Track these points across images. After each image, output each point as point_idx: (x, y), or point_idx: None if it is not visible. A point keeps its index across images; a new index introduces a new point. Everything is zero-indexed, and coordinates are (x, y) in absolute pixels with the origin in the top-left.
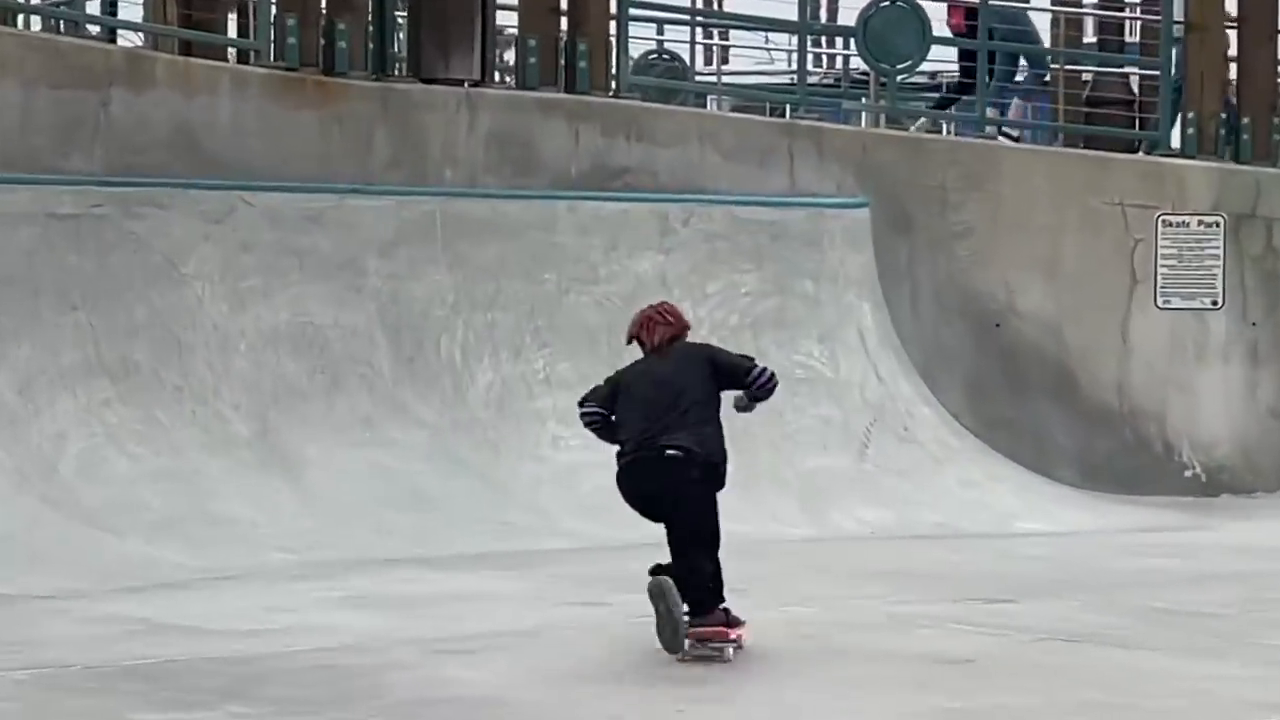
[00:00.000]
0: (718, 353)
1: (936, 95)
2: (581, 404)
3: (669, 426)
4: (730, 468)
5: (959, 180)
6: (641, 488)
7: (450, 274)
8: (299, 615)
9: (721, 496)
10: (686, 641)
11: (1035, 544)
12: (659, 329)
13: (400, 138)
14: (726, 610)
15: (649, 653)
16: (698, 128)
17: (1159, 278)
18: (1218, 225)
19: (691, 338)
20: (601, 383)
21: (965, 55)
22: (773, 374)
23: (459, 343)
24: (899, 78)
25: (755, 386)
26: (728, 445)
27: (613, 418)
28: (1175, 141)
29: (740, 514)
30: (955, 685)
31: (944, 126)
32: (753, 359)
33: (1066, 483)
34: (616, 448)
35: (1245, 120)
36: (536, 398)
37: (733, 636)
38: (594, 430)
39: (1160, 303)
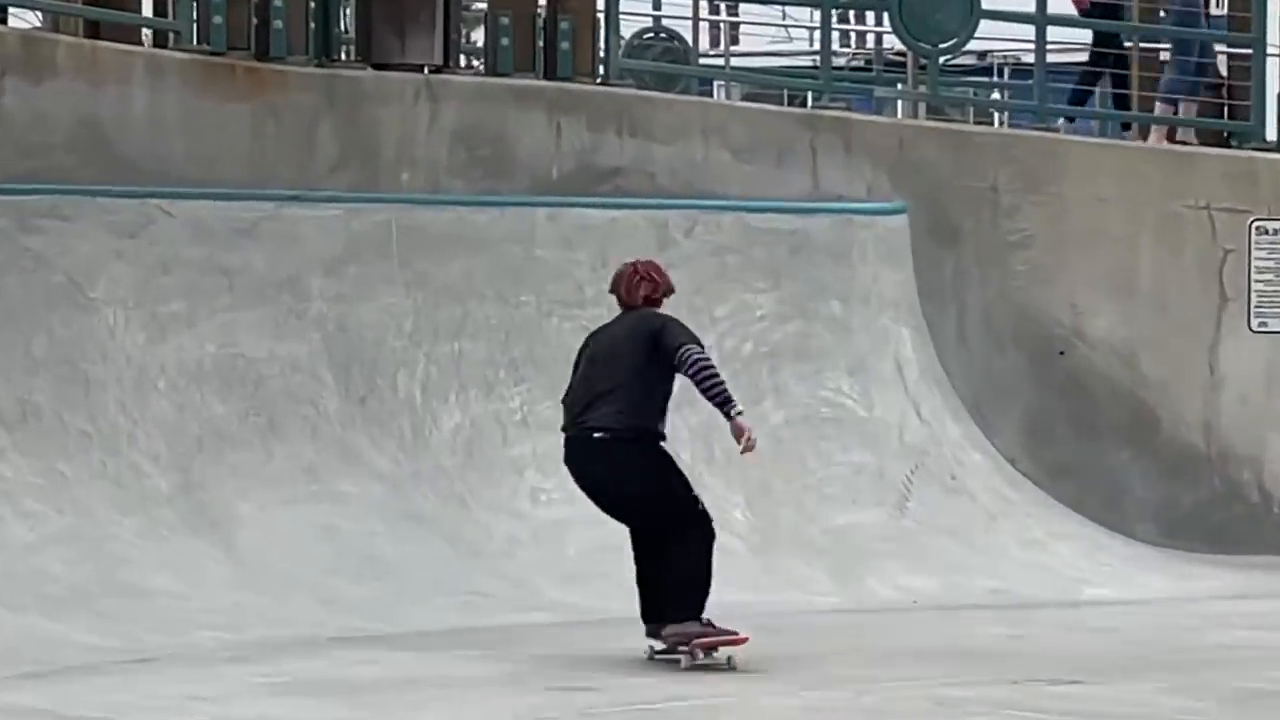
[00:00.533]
0: (666, 331)
1: (991, 79)
2: None
3: (592, 403)
4: (745, 525)
5: (1014, 180)
6: (583, 470)
7: (409, 296)
8: (229, 705)
9: (735, 559)
10: (653, 644)
11: (1107, 614)
12: (642, 286)
13: (348, 135)
14: (709, 623)
15: None
16: (702, 120)
17: (1253, 295)
18: None
19: None
20: None
21: (1101, 38)
22: (703, 368)
23: (419, 378)
24: (942, 59)
25: (687, 375)
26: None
27: None
28: (1272, 133)
29: (757, 581)
30: None
31: (996, 117)
32: (689, 345)
33: (1144, 540)
34: None
35: None
36: (512, 443)
37: (705, 643)
38: None
39: (1255, 325)
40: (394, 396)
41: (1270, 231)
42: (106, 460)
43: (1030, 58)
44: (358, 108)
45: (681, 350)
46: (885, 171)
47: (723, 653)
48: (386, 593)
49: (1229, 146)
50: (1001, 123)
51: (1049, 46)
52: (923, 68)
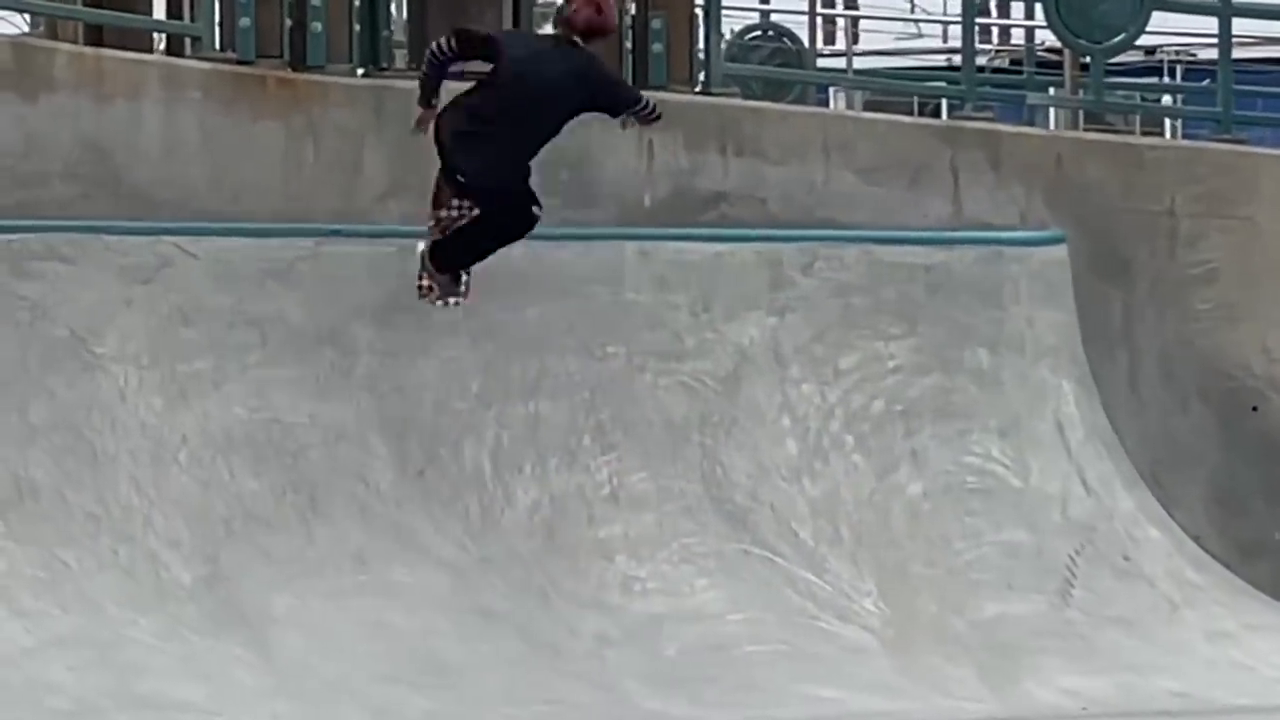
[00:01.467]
0: (605, 83)
1: (1163, 81)
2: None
3: (518, 161)
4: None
5: (1196, 203)
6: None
7: (475, 349)
8: None
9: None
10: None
11: None
12: (583, 11)
13: (401, 157)
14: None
15: None
16: (822, 135)
17: None
18: None
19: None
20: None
21: None
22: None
23: (489, 447)
24: (1107, 58)
25: (644, 113)
26: None
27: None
28: None
29: (893, 683)
30: None
31: (1170, 126)
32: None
33: None
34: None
35: None
36: (599, 523)
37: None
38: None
39: None
40: (458, 469)
41: None
42: (118, 548)
43: (1210, 54)
44: (410, 126)
45: (638, 95)
46: (1040, 194)
47: None
48: (450, 702)
49: None
50: (1177, 133)
51: (1234, 40)
52: (1084, 68)
